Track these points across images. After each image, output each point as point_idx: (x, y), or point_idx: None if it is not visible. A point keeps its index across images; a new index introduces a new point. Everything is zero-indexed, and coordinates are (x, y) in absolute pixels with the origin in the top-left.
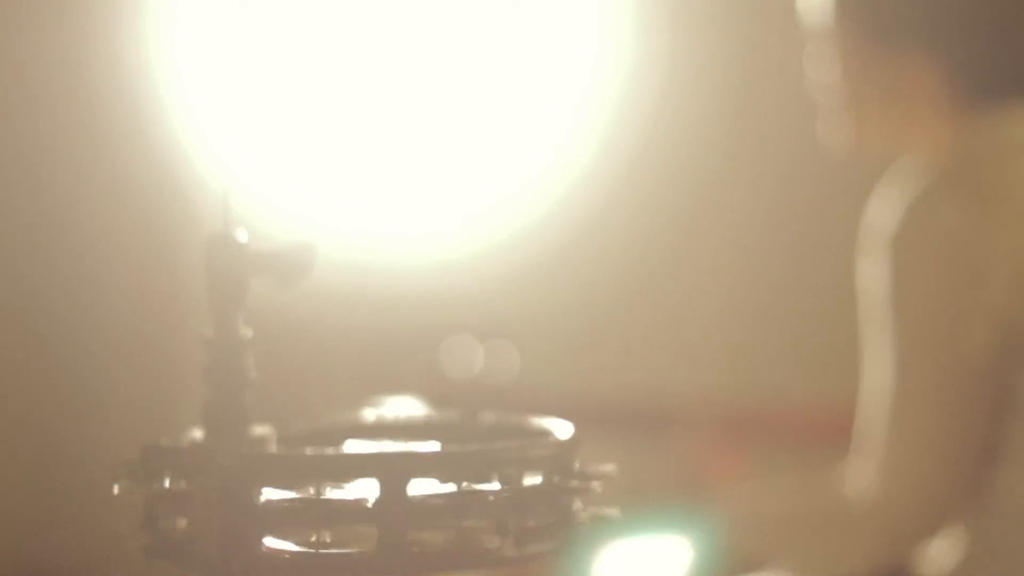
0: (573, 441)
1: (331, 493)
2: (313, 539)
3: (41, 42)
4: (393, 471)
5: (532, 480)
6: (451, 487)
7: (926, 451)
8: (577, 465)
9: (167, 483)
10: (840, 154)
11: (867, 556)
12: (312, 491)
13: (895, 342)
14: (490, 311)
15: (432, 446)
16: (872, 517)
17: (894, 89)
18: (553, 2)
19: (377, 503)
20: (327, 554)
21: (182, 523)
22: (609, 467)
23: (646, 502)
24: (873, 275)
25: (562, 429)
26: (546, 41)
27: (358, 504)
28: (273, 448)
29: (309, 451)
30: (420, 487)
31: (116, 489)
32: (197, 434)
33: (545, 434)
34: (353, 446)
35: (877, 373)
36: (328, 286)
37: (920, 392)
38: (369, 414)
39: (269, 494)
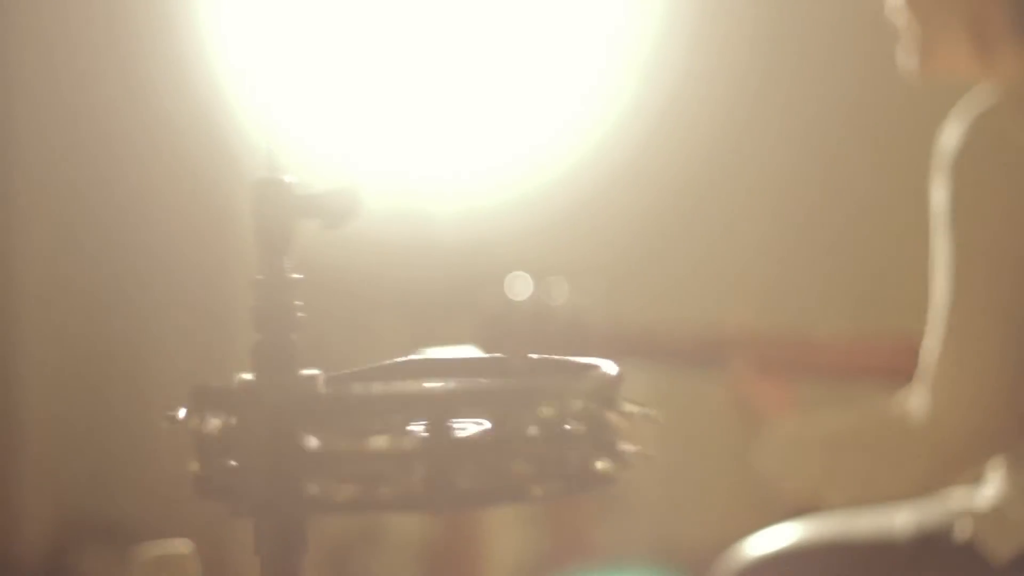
0: (615, 378)
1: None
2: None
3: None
4: (436, 409)
5: (573, 418)
6: (493, 425)
7: (980, 371)
8: (619, 402)
9: (217, 423)
10: (914, 80)
11: (919, 474)
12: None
13: (954, 260)
14: (537, 251)
15: (475, 384)
16: (925, 435)
17: (965, 15)
18: None
19: (422, 441)
20: (372, 492)
21: (231, 463)
22: (649, 408)
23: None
24: (937, 197)
25: (606, 366)
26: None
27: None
28: (321, 389)
29: (356, 389)
30: (463, 427)
31: (166, 427)
32: (247, 375)
33: (588, 370)
34: (398, 386)
35: (938, 295)
36: (374, 231)
37: (977, 311)
38: (417, 356)
39: (316, 437)
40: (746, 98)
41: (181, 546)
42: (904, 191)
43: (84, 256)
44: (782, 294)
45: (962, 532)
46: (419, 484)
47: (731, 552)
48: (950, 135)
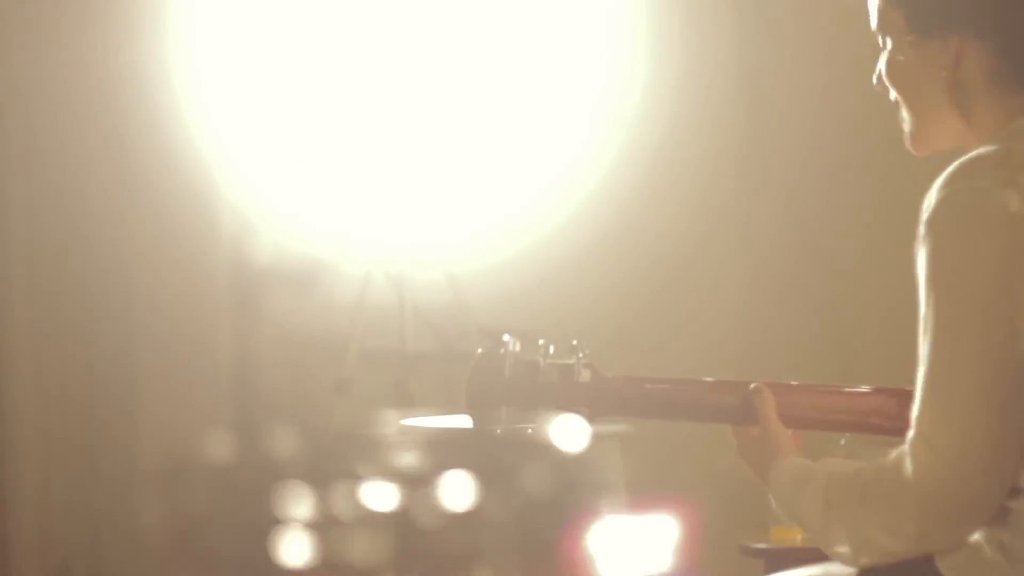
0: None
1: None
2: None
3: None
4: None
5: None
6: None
7: (964, 430)
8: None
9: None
10: (914, 153)
11: (912, 530)
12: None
13: (936, 319)
14: (516, 314)
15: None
16: (914, 490)
17: (944, 83)
18: (572, 7)
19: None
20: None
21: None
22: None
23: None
24: (919, 257)
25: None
26: (569, 45)
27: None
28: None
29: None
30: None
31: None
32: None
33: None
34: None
35: (922, 353)
36: (354, 294)
37: (959, 370)
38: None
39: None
40: (730, 159)
41: None
42: (886, 252)
43: (71, 322)
44: (764, 352)
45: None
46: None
47: None
48: (929, 195)
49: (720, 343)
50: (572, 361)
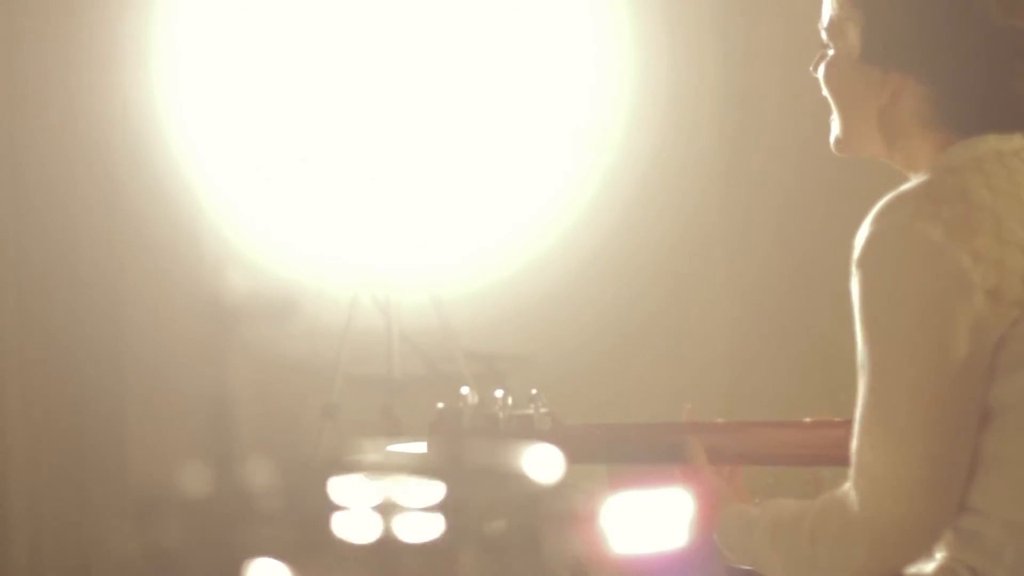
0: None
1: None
2: None
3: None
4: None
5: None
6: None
7: (900, 463)
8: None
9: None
10: (836, 153)
11: (860, 563)
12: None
13: (869, 354)
14: (499, 342)
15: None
16: (858, 524)
17: (873, 108)
18: (557, 32)
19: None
20: None
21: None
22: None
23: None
24: (852, 293)
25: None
26: (555, 70)
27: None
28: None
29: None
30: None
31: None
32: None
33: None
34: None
35: (859, 388)
36: (340, 320)
37: (893, 404)
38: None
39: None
40: (717, 184)
41: None
42: None
43: (59, 353)
44: (752, 379)
45: None
46: None
47: None
48: (860, 232)
49: (707, 370)
50: (531, 411)
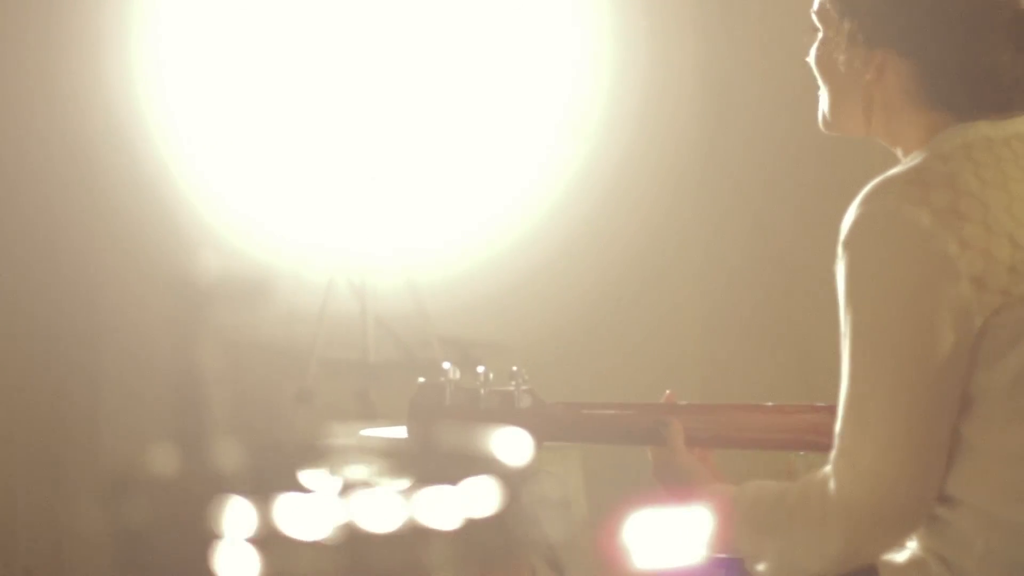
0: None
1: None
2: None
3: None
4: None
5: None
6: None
7: (880, 445)
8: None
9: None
10: (823, 130)
11: (839, 544)
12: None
13: (852, 336)
14: (475, 327)
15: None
16: (836, 506)
17: (859, 87)
18: (535, 21)
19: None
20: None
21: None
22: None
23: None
24: (837, 275)
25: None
26: (533, 58)
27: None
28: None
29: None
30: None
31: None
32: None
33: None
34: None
35: (841, 370)
36: (317, 303)
37: (875, 385)
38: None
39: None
40: (695, 173)
41: None
42: None
43: (34, 334)
44: (727, 367)
45: None
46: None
47: None
48: (847, 215)
49: (683, 357)
50: (511, 388)
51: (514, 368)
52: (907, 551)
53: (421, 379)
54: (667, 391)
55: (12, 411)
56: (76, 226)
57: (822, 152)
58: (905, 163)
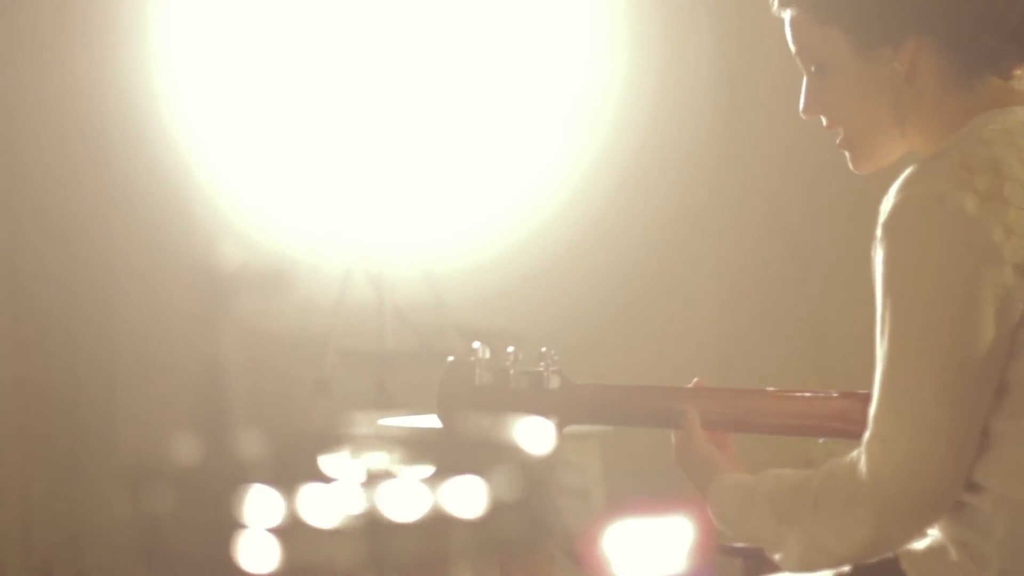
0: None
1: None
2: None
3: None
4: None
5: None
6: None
7: (915, 428)
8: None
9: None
10: (858, 173)
11: (866, 530)
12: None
13: (890, 320)
14: (492, 316)
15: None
16: (866, 489)
17: (901, 86)
18: (552, 10)
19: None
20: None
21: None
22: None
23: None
24: (876, 260)
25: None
26: (547, 48)
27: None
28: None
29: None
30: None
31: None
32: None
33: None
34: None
35: (878, 354)
36: (334, 293)
37: (912, 369)
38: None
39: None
40: (709, 161)
41: None
42: (866, 256)
43: (52, 325)
44: (743, 354)
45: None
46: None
47: None
48: (887, 199)
49: (699, 345)
50: (541, 368)
51: (543, 349)
52: (928, 539)
53: (451, 358)
54: (696, 378)
55: (31, 402)
56: (95, 218)
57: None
58: (943, 148)
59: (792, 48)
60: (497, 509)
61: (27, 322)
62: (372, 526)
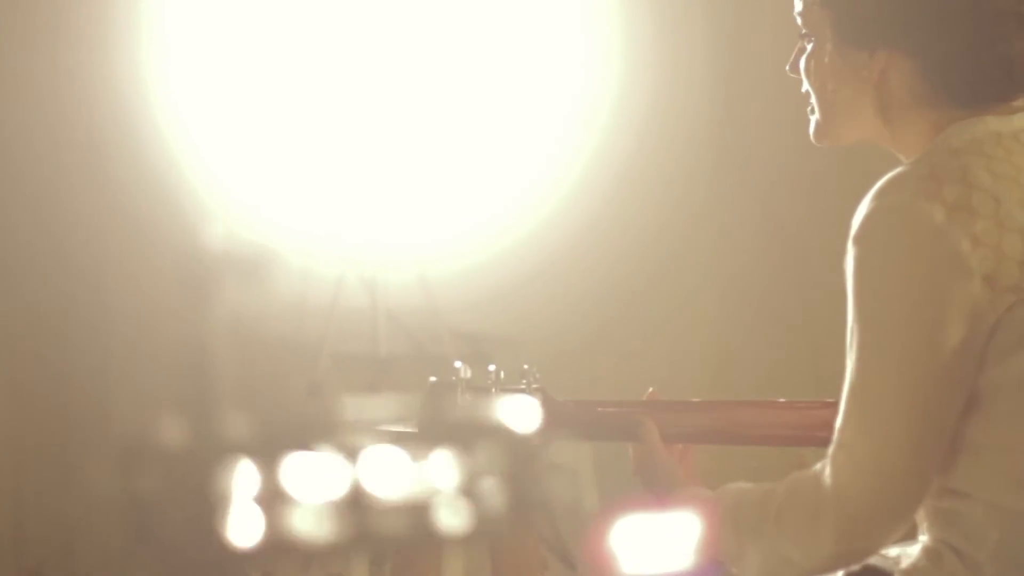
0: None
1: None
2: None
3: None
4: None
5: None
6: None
7: (881, 437)
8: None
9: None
10: (816, 144)
11: (830, 541)
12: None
13: (858, 330)
14: (486, 321)
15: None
16: (831, 499)
17: (871, 90)
18: (547, 12)
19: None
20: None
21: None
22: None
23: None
24: (847, 268)
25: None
26: (543, 49)
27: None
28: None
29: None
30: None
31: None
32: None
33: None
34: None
35: (847, 364)
36: (325, 296)
37: (879, 379)
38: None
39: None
40: (705, 163)
41: None
42: None
43: (42, 324)
44: (738, 359)
45: None
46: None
47: None
48: (858, 210)
49: (693, 350)
50: (523, 386)
51: (525, 367)
52: (920, 543)
53: (433, 378)
54: (650, 389)
55: (20, 396)
56: (84, 211)
57: (832, 150)
58: (914, 159)
59: (796, 6)
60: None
61: (14, 314)
62: (357, 503)
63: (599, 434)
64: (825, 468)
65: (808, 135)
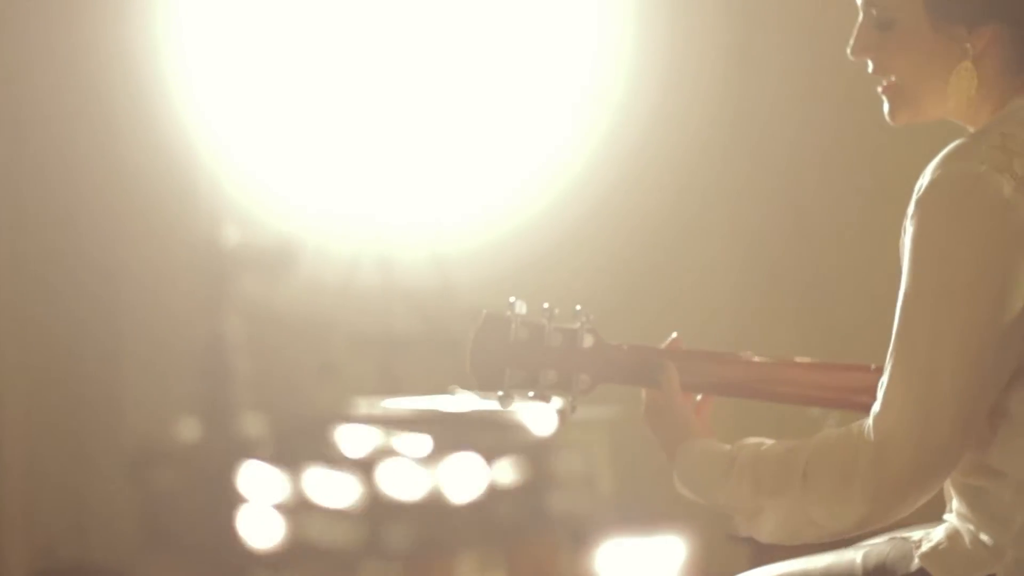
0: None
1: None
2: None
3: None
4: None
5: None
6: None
7: (926, 393)
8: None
9: (162, 482)
10: (892, 123)
11: (868, 494)
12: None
13: (917, 296)
14: (500, 299)
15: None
16: (871, 451)
17: (961, 71)
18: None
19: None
20: (309, 547)
21: (175, 519)
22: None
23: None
24: (907, 231)
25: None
26: (556, 30)
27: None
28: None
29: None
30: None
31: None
32: (190, 431)
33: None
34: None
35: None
36: (341, 276)
37: (927, 337)
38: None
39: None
40: (719, 139)
41: None
42: (876, 232)
43: (56, 310)
44: (754, 332)
45: (917, 564)
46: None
47: None
48: (923, 175)
49: (709, 324)
50: (577, 326)
51: (578, 307)
52: (941, 527)
53: (485, 310)
54: (673, 334)
55: (35, 386)
56: (100, 200)
57: (846, 113)
58: (983, 127)
59: None
60: (500, 492)
61: (31, 305)
62: (374, 506)
63: (656, 381)
64: (866, 428)
65: (823, 104)
